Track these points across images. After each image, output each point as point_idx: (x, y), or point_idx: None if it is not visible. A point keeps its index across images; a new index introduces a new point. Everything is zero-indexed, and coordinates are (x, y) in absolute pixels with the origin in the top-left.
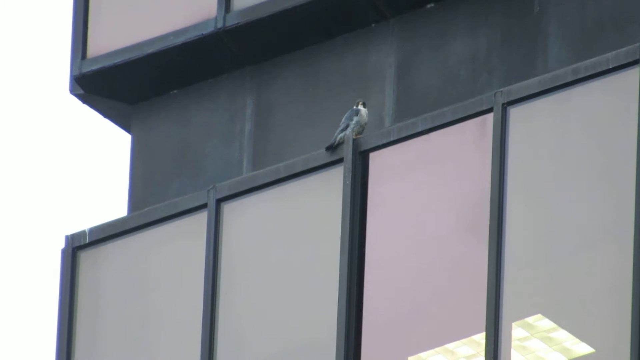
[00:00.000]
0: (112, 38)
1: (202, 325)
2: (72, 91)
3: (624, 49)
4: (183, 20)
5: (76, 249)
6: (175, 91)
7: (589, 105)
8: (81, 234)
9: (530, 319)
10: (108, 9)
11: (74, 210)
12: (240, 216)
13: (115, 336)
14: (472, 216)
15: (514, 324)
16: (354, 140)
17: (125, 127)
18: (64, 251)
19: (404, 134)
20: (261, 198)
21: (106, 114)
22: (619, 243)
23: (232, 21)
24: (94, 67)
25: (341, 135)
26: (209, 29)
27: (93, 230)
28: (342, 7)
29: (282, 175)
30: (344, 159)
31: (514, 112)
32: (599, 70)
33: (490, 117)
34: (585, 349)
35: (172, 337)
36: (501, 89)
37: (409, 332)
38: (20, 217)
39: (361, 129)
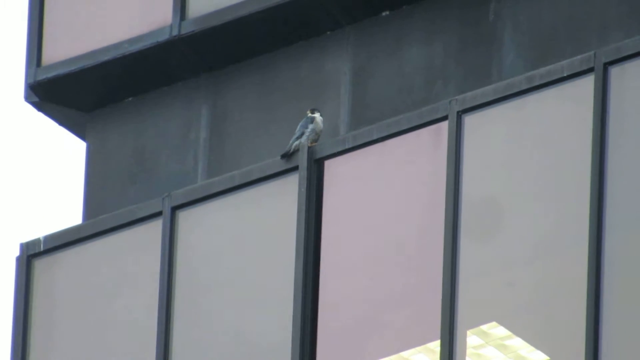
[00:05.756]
0: (67, 46)
1: (157, 333)
2: (27, 99)
3: (578, 57)
4: (138, 27)
5: (31, 256)
6: (130, 99)
7: (543, 113)
8: (36, 241)
9: (485, 327)
10: (63, 17)
11: (28, 218)
12: (196, 224)
13: (70, 344)
14: (427, 224)
15: (468, 332)
16: (309, 148)
17: (81, 134)
18: (18, 259)
19: (359, 142)
20: (216, 206)
21: (61, 122)
22: (574, 251)
23: (187, 29)
24: (49, 74)
25: (296, 143)
26: (164, 37)
27: (48, 238)
28: (298, 14)
29: (238, 182)
30: (299, 167)
31: (469, 120)
32: (553, 78)
33: (445, 125)
34: (539, 356)
35: (128, 345)
36: (456, 97)
37: (364, 340)
38: None
39: (317, 136)
